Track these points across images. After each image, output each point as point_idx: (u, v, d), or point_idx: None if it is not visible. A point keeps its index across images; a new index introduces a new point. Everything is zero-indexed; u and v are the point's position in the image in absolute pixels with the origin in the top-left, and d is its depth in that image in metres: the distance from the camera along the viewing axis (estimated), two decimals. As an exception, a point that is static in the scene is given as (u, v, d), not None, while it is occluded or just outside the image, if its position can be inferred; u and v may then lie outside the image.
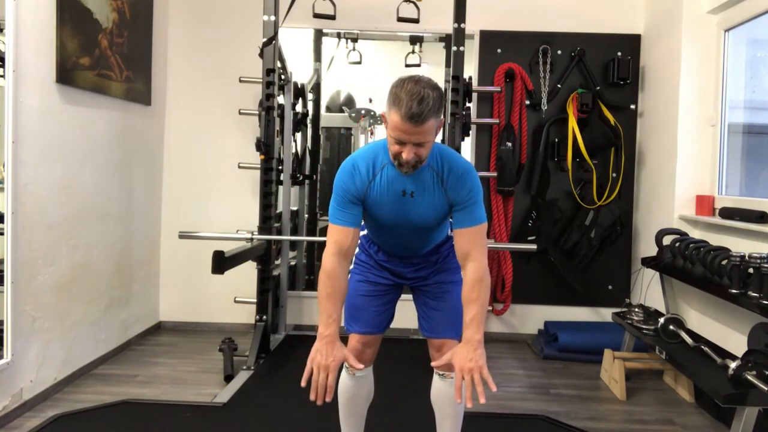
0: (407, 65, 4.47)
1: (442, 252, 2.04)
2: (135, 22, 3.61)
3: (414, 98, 1.58)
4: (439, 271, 2.02)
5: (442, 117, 1.70)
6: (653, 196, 3.88)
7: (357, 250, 2.09)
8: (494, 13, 4.09)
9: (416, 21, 3.52)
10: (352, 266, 2.08)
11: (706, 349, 2.71)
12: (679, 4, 3.52)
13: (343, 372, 2.07)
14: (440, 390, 2.01)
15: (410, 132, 1.62)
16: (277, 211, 3.76)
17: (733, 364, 2.36)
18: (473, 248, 1.79)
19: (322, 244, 5.04)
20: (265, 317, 3.49)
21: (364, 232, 2.10)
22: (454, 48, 3.45)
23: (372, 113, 5.13)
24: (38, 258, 2.79)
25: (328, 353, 1.68)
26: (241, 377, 3.15)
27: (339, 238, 1.81)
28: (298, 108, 4.29)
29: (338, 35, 4.67)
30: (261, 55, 3.47)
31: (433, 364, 1.96)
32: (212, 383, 3.17)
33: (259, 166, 3.58)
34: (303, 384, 1.65)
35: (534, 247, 3.49)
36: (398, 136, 1.64)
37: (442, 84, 3.82)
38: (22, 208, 2.65)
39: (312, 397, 1.64)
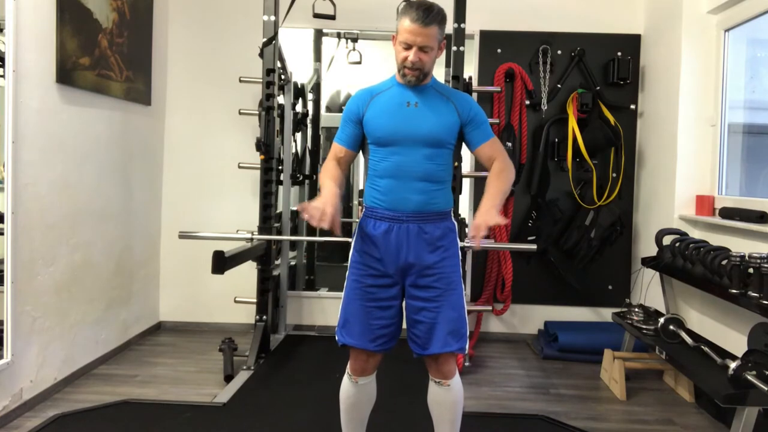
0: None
1: (443, 229, 1.95)
2: (135, 22, 3.61)
3: (421, 6, 1.87)
4: (438, 275, 1.93)
5: (444, 39, 1.95)
6: (653, 196, 3.88)
7: (352, 251, 2.02)
8: (494, 13, 4.09)
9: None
10: (347, 272, 2.00)
11: (706, 349, 2.71)
12: (679, 4, 3.52)
13: (346, 378, 2.06)
14: (437, 397, 2.00)
15: (417, 33, 1.85)
16: (277, 211, 3.76)
17: (733, 364, 2.36)
18: (497, 153, 2.01)
19: (323, 245, 5.06)
20: (265, 317, 3.49)
21: (360, 218, 2.03)
22: (454, 48, 3.45)
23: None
24: (38, 258, 2.79)
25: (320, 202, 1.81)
26: (241, 377, 3.15)
27: (335, 152, 2.07)
28: (298, 108, 4.29)
29: (338, 35, 4.67)
30: (261, 55, 3.47)
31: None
32: (212, 383, 3.17)
33: (259, 166, 3.58)
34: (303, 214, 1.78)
35: (534, 247, 3.48)
36: (406, 39, 1.87)
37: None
38: (22, 208, 2.65)
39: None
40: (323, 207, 1.77)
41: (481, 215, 1.81)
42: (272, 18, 3.42)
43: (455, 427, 2.03)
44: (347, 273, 2.01)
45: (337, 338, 2.01)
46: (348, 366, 2.05)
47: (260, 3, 3.42)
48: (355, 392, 2.04)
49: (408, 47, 1.88)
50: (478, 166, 3.93)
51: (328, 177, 1.96)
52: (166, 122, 4.15)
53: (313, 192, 4.88)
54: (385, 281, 1.96)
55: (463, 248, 3.25)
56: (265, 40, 3.42)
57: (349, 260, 2.03)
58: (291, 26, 3.84)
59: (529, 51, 4.07)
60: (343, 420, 2.10)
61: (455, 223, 2.04)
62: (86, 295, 3.23)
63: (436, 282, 1.94)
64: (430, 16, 1.85)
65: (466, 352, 2.02)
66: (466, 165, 3.96)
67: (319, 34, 4.74)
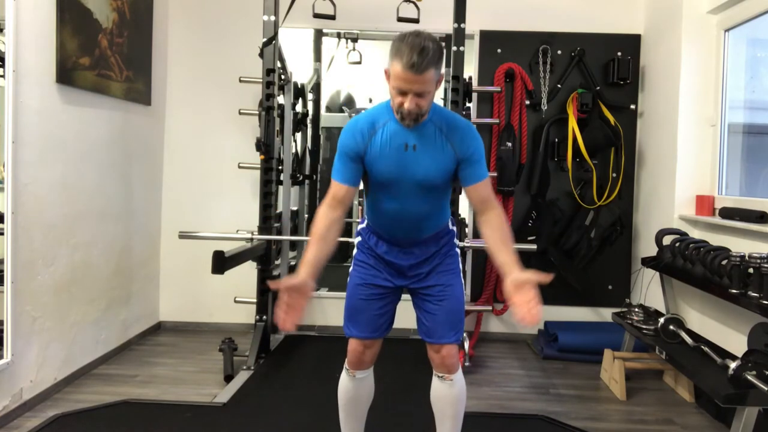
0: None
1: (441, 244, 2.01)
2: (135, 22, 3.61)
3: (415, 49, 1.65)
4: (438, 271, 2.00)
5: (442, 71, 1.77)
6: (653, 196, 3.88)
7: (355, 249, 2.06)
8: (494, 13, 4.09)
9: (416, 21, 3.51)
10: (351, 268, 2.05)
11: (706, 349, 2.71)
12: (679, 4, 3.52)
13: (344, 374, 2.07)
14: (439, 392, 2.01)
15: (411, 81, 1.68)
16: (277, 211, 3.76)
17: (733, 364, 2.36)
18: (490, 196, 1.90)
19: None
20: (265, 317, 3.49)
21: (362, 225, 2.06)
22: (454, 48, 3.45)
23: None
24: (38, 258, 2.79)
25: (284, 300, 1.69)
26: (241, 377, 3.15)
27: (334, 191, 1.88)
28: (298, 108, 4.29)
29: (338, 35, 4.67)
30: (261, 55, 3.47)
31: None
32: (212, 383, 3.17)
33: (259, 166, 3.58)
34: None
35: (534, 247, 3.48)
36: (400, 86, 1.70)
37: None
38: (22, 208, 2.65)
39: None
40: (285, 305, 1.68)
41: (527, 301, 1.70)
42: (272, 18, 3.42)
43: (457, 424, 2.03)
44: (351, 269, 2.05)
45: (344, 330, 2.04)
46: (345, 361, 2.06)
47: (260, 3, 3.42)
48: (353, 387, 2.04)
49: (403, 93, 1.72)
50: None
51: (311, 244, 1.82)
52: (166, 122, 4.15)
53: (313, 192, 4.87)
54: (386, 283, 2.00)
55: (462, 248, 3.26)
56: (265, 40, 3.43)
57: (353, 256, 2.07)
58: (291, 26, 3.84)
59: (529, 51, 4.07)
60: (341, 416, 2.11)
61: (453, 229, 2.08)
62: (86, 295, 3.23)
63: (438, 281, 1.99)
64: (425, 61, 1.65)
65: (466, 349, 2.04)
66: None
67: (319, 34, 4.74)
